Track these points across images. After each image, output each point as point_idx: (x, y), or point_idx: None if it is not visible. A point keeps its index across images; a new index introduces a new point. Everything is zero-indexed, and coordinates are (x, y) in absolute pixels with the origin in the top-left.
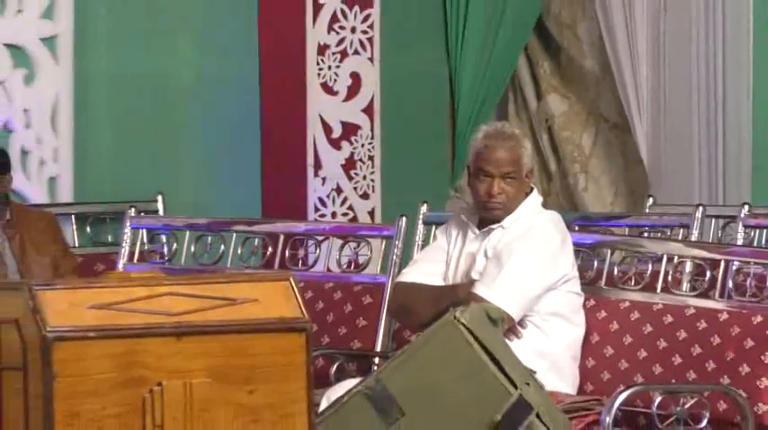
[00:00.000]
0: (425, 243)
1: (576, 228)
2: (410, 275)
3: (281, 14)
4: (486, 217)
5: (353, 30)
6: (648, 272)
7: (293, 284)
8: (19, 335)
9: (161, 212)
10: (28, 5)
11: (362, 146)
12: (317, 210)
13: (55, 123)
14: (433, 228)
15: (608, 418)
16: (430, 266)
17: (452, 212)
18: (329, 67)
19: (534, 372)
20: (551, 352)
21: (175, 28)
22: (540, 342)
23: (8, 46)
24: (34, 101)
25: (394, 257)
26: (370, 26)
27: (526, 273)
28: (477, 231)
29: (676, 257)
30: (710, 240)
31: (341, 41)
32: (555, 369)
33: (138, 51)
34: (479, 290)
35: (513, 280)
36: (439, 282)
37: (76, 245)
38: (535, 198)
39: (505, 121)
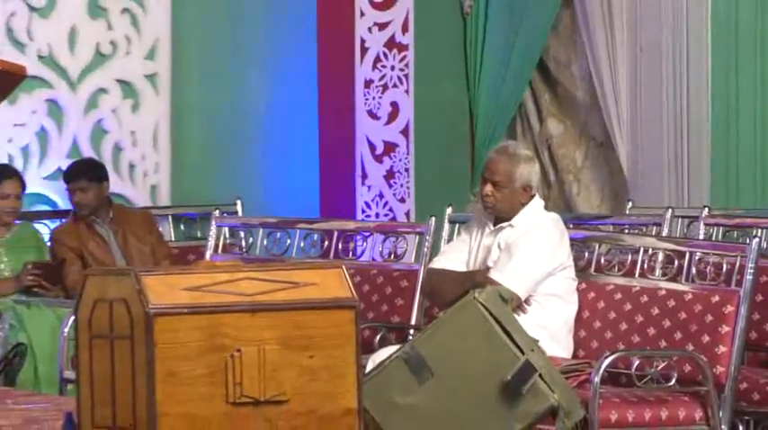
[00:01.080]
0: (450, 238)
1: (571, 226)
2: (439, 263)
3: (336, 55)
4: (496, 216)
5: (392, 68)
6: (628, 261)
7: (344, 271)
8: (127, 311)
9: (240, 213)
10: (134, 49)
11: (400, 160)
12: (363, 211)
13: (155, 142)
14: (456, 225)
15: (596, 378)
16: (455, 256)
17: (472, 213)
18: (373, 98)
19: (537, 341)
20: (551, 325)
21: (250, 65)
22: (542, 317)
23: (119, 81)
24: (139, 125)
25: (425, 249)
26: (406, 65)
27: (531, 261)
28: (492, 228)
29: (650, 249)
30: (678, 235)
31: (383, 77)
32: (554, 338)
33: (220, 84)
34: (493, 275)
35: (520, 267)
36: (462, 268)
37: (173, 239)
38: (537, 202)
39: (516, 142)
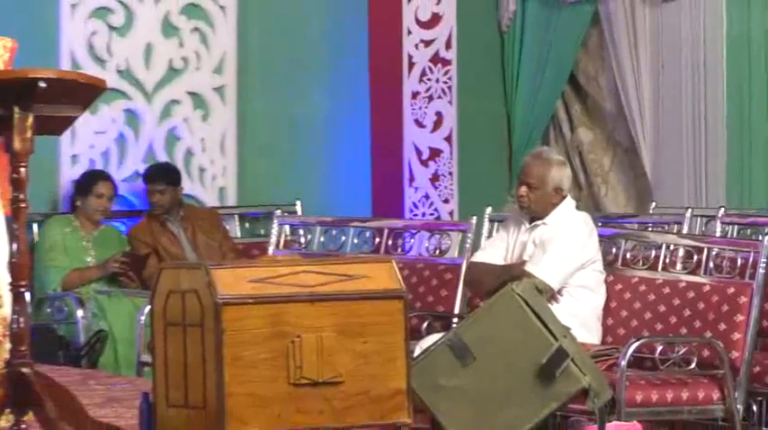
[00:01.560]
0: (490, 234)
1: (600, 224)
2: (480, 257)
3: (386, 69)
4: (530, 215)
5: (437, 81)
6: (652, 256)
7: (394, 265)
8: (198, 301)
9: (299, 213)
10: (204, 64)
11: (444, 165)
12: (411, 211)
13: (223, 148)
14: (495, 224)
15: (623, 362)
16: (494, 251)
17: (510, 213)
18: (420, 108)
19: (569, 329)
20: (581, 313)
21: (309, 79)
22: (573, 306)
23: (190, 93)
24: (208, 132)
25: (467, 245)
26: (449, 78)
27: (563, 256)
28: (527, 226)
29: (672, 245)
30: (696, 233)
31: (428, 89)
32: (584, 326)
33: (281, 95)
34: (529, 268)
35: (554, 261)
36: (500, 262)
37: (238, 236)
38: (569, 202)
39: (549, 148)
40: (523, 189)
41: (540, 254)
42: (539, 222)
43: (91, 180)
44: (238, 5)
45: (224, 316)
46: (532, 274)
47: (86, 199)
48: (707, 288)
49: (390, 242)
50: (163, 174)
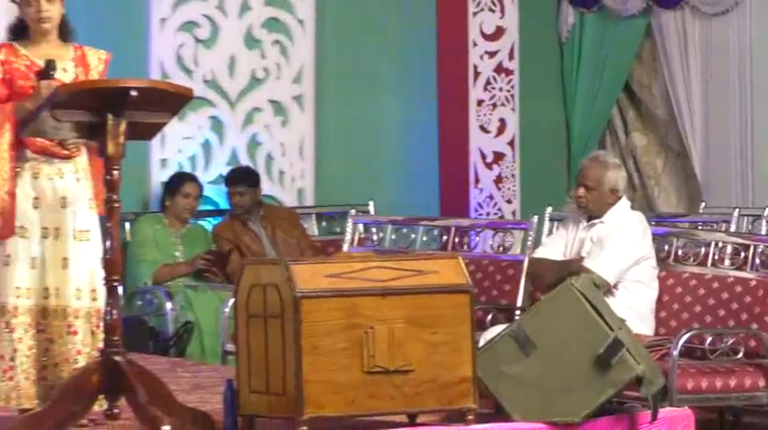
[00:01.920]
0: (550, 232)
1: (653, 223)
2: (541, 253)
3: (453, 79)
4: (588, 214)
5: (500, 89)
6: (702, 253)
7: (461, 261)
8: (278, 294)
9: (372, 212)
10: (284, 74)
11: (507, 167)
12: (476, 210)
13: (301, 153)
14: (555, 223)
15: (675, 352)
16: (554, 247)
17: (569, 212)
18: (484, 115)
19: (624, 321)
20: (636, 306)
21: (381, 87)
22: (628, 300)
23: (271, 101)
24: (287, 138)
25: (528, 243)
26: (512, 87)
27: (618, 252)
28: (585, 224)
29: (720, 243)
30: (743, 231)
31: (492, 97)
32: (639, 318)
33: (356, 103)
34: (587, 264)
35: (610, 257)
36: (559, 257)
37: (316, 234)
38: (624, 203)
39: (605, 152)
40: (582, 190)
41: (598, 251)
42: (596, 221)
43: (179, 181)
44: (316, 20)
45: (302, 308)
46: (590, 270)
47: (174, 199)
48: (753, 283)
49: (457, 240)
50: (243, 177)
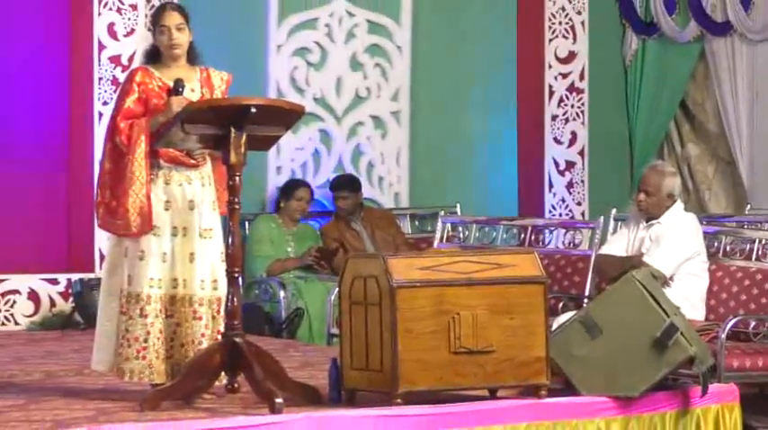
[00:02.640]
0: (614, 231)
1: (704, 223)
2: (606, 249)
3: (530, 96)
4: (647, 216)
5: (572, 106)
6: (747, 248)
7: (536, 256)
8: (377, 284)
9: (458, 213)
10: (383, 93)
11: (577, 174)
12: (550, 211)
13: (398, 161)
14: (618, 223)
15: (723, 335)
16: (617, 244)
17: (630, 214)
18: (558, 128)
19: (679, 308)
20: (689, 296)
21: (468, 105)
22: (683, 290)
23: (372, 116)
24: (386, 148)
25: (596, 240)
26: (582, 104)
27: (674, 249)
28: (645, 224)
29: (764, 240)
30: None
31: (565, 113)
32: (692, 306)
33: (446, 119)
34: (647, 259)
35: (667, 253)
36: (622, 253)
37: (409, 232)
38: (679, 205)
39: (663, 161)
40: (642, 195)
41: (656, 247)
42: (654, 222)
43: (293, 186)
44: (411, 46)
45: (398, 297)
46: (649, 264)
47: (289, 202)
48: None
49: (533, 237)
50: (346, 184)
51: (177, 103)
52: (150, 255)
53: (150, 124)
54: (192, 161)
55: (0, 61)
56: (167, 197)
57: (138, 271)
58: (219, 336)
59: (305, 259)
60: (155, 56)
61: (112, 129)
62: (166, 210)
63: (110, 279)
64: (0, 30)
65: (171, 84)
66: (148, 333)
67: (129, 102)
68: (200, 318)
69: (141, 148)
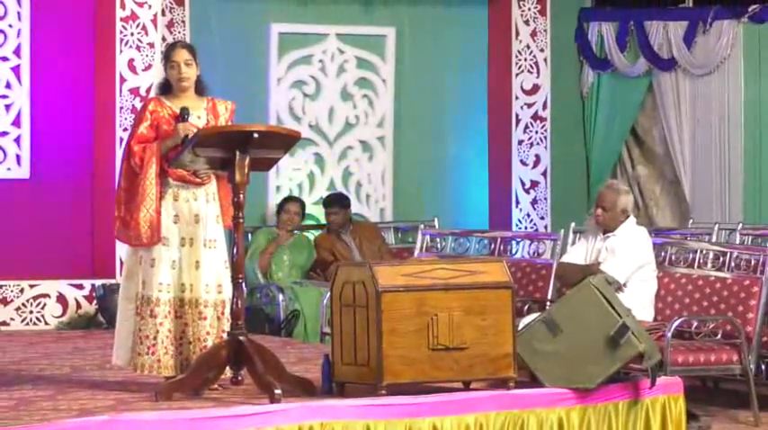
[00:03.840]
0: (574, 242)
1: (653, 235)
2: (567, 258)
3: (499, 124)
4: (604, 229)
5: (536, 132)
6: (690, 258)
7: (505, 264)
8: (364, 289)
9: (437, 226)
10: (370, 121)
11: (541, 192)
12: (517, 225)
13: (383, 181)
14: (577, 235)
15: (669, 334)
16: (576, 253)
17: (588, 227)
18: (524, 151)
19: (630, 310)
20: (640, 299)
21: (446, 131)
22: (634, 294)
23: (360, 141)
24: (373, 169)
25: (557, 250)
26: (545, 130)
27: (628, 258)
28: (601, 237)
29: (704, 250)
30: (722, 241)
31: (530, 138)
32: (642, 308)
33: (425, 143)
34: (604, 267)
35: (621, 262)
36: (581, 262)
37: (393, 243)
38: (631, 220)
39: (617, 180)
40: (600, 211)
41: (612, 257)
42: (609, 234)
43: (284, 202)
44: (395, 80)
45: (383, 300)
46: (605, 272)
47: (281, 215)
48: (729, 281)
49: (502, 247)
50: (336, 201)
51: (183, 129)
52: (160, 263)
53: (161, 147)
54: (198, 180)
55: (34, 91)
56: (176, 212)
57: (150, 277)
58: (224, 335)
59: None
60: (167, 87)
61: (128, 153)
62: (175, 223)
63: (127, 284)
64: (33, 65)
65: (179, 112)
66: (158, 332)
67: (143, 128)
68: (205, 319)
69: (152, 169)
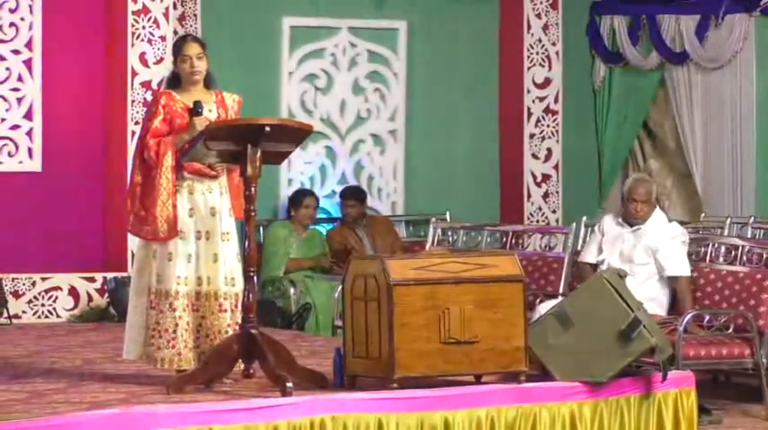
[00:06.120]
0: (585, 236)
1: None
2: (583, 256)
3: (511, 118)
4: (633, 222)
5: (548, 126)
6: (702, 252)
7: (516, 258)
8: (375, 282)
9: (448, 220)
10: (382, 115)
11: (553, 186)
12: (528, 218)
13: (395, 174)
14: (588, 229)
15: (681, 328)
16: (591, 249)
17: (606, 220)
18: (535, 145)
19: (642, 303)
20: (657, 295)
21: (457, 125)
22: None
23: (372, 135)
24: (384, 163)
25: (569, 243)
26: (557, 124)
27: (683, 252)
28: (630, 229)
29: (716, 244)
30: (734, 235)
31: (542, 132)
32: (659, 305)
33: (437, 137)
34: (669, 271)
35: (681, 257)
36: (595, 256)
37: (405, 236)
38: (657, 209)
39: (641, 173)
40: (638, 206)
41: (668, 258)
42: (639, 226)
43: (301, 196)
44: (407, 73)
45: (395, 293)
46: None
47: (298, 210)
48: (741, 274)
49: (514, 241)
50: (354, 193)
51: (200, 123)
52: (177, 257)
53: (176, 141)
54: (213, 173)
55: (46, 85)
56: (191, 205)
57: (167, 270)
58: (237, 327)
59: (322, 262)
60: (176, 81)
61: (142, 147)
62: (191, 216)
63: (137, 278)
64: (45, 59)
65: (191, 105)
66: (177, 325)
67: (156, 122)
68: (226, 311)
69: (168, 163)
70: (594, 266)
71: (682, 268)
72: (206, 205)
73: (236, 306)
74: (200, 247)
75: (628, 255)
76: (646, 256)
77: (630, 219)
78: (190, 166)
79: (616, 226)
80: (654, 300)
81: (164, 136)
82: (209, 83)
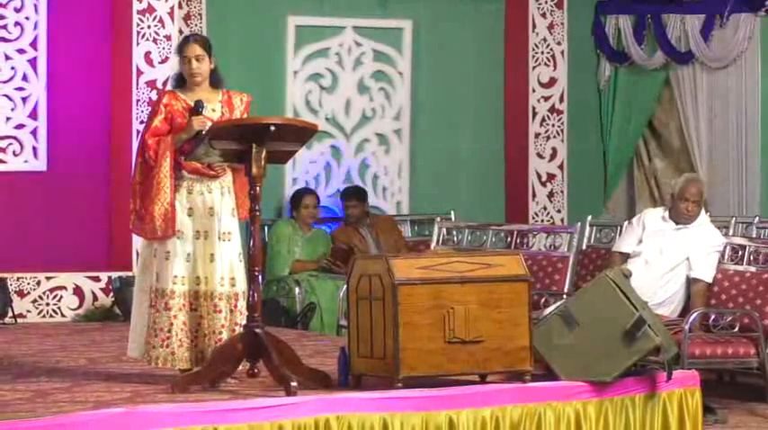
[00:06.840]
0: (590, 237)
1: None
2: (619, 246)
3: (516, 117)
4: (680, 220)
5: (553, 125)
6: None
7: (521, 257)
8: (380, 282)
9: (453, 219)
10: (387, 113)
11: (557, 185)
12: (533, 218)
13: (400, 174)
14: (594, 228)
15: (686, 327)
16: (628, 240)
17: (648, 217)
18: (540, 144)
19: (647, 303)
20: (670, 295)
21: (462, 124)
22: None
23: (377, 134)
24: (389, 162)
25: (574, 243)
26: (562, 123)
27: (714, 260)
28: (674, 227)
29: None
30: (739, 234)
31: (546, 131)
32: (673, 310)
33: (441, 136)
34: (696, 272)
35: (712, 265)
36: (632, 248)
37: (409, 235)
38: (704, 214)
39: (693, 173)
40: (690, 206)
41: (703, 259)
42: (683, 226)
43: (299, 196)
44: (412, 72)
45: (399, 293)
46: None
47: (299, 210)
48: (747, 274)
49: (518, 240)
50: (355, 194)
51: (197, 122)
52: (175, 256)
53: (175, 140)
54: (212, 172)
55: (51, 84)
56: (190, 205)
57: (165, 269)
58: (237, 328)
59: (320, 262)
60: (181, 80)
61: (142, 146)
62: (189, 216)
63: (141, 277)
64: (50, 58)
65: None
66: (171, 324)
67: (157, 121)
68: (220, 312)
69: (167, 162)
70: (626, 257)
71: (707, 274)
72: (204, 205)
73: (236, 306)
74: (198, 247)
75: (666, 252)
76: (683, 256)
77: (679, 217)
78: (189, 166)
79: (661, 221)
80: (676, 301)
81: (164, 135)
82: (216, 82)
